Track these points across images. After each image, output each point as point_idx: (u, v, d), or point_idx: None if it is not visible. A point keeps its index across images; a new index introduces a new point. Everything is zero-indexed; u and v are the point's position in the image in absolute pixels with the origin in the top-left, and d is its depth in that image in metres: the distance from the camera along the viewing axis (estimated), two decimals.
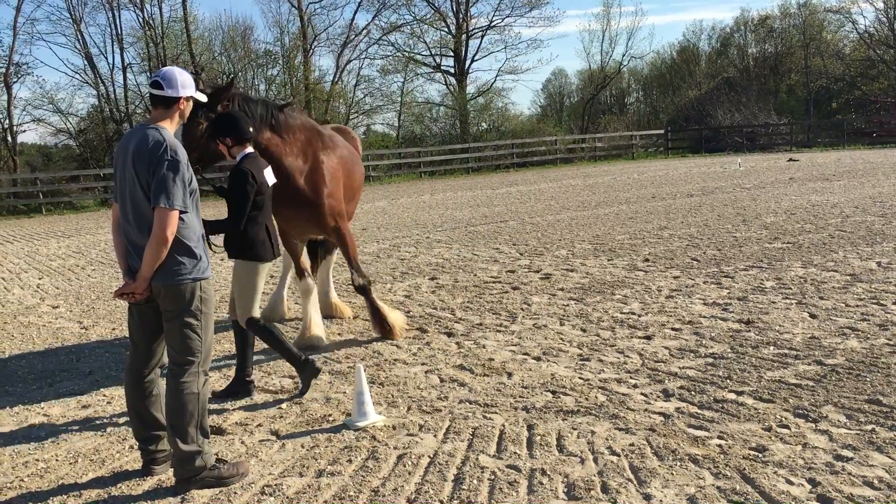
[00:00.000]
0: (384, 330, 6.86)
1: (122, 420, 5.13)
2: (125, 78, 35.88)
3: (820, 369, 5.31)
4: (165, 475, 4.18)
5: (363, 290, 6.79)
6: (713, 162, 31.99)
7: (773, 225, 12.42)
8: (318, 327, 6.81)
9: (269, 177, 5.50)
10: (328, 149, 6.80)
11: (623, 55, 56.25)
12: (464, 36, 43.43)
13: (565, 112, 61.77)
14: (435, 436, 4.57)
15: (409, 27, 42.32)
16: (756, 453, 4.05)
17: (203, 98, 4.41)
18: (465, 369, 5.87)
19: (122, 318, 8.45)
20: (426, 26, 42.82)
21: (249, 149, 5.50)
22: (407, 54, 43.03)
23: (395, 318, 6.96)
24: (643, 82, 60.68)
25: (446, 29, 43.60)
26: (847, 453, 3.99)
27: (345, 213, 6.92)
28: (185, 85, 4.04)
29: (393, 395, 5.35)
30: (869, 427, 4.30)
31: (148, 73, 34.88)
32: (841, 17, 52.17)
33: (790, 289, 7.82)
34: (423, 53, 43.93)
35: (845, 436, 4.21)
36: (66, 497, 4.02)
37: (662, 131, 44.33)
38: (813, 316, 6.74)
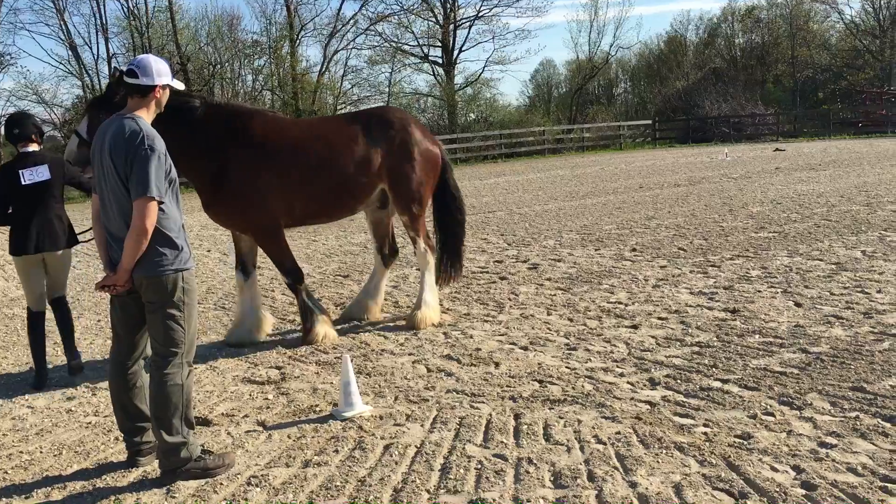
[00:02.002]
0: (305, 331, 6.53)
1: (106, 412, 5.09)
2: (110, 68, 35.53)
3: (805, 357, 5.34)
4: (150, 467, 4.16)
5: (290, 288, 6.64)
6: (700, 152, 32.08)
7: (760, 214, 12.47)
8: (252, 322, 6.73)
9: (31, 175, 5.74)
10: (247, 145, 6.22)
11: (611, 45, 56.16)
12: (451, 26, 43.29)
13: (553, 102, 61.68)
14: (422, 425, 4.57)
15: (396, 17, 42.12)
16: (741, 441, 4.07)
17: (180, 86, 4.36)
18: (452, 359, 5.87)
19: (106, 309, 8.38)
20: (414, 16, 42.64)
21: (30, 147, 5.84)
22: (394, 44, 42.88)
23: (322, 322, 6.55)
24: (631, 73, 60.72)
25: (434, 19, 43.43)
26: (831, 440, 4.01)
27: (261, 212, 6.29)
28: (160, 73, 3.99)
29: (380, 386, 5.35)
30: (853, 414, 4.32)
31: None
32: (827, 8, 52.38)
33: (776, 278, 7.86)
34: (410, 44, 43.78)
35: (829, 423, 4.24)
36: (50, 489, 4.00)
37: (650, 122, 44.41)
38: (798, 304, 6.77)
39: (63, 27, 34.94)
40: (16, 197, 5.75)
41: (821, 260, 8.59)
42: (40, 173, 5.75)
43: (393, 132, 6.71)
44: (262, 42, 39.62)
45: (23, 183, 5.69)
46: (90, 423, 4.98)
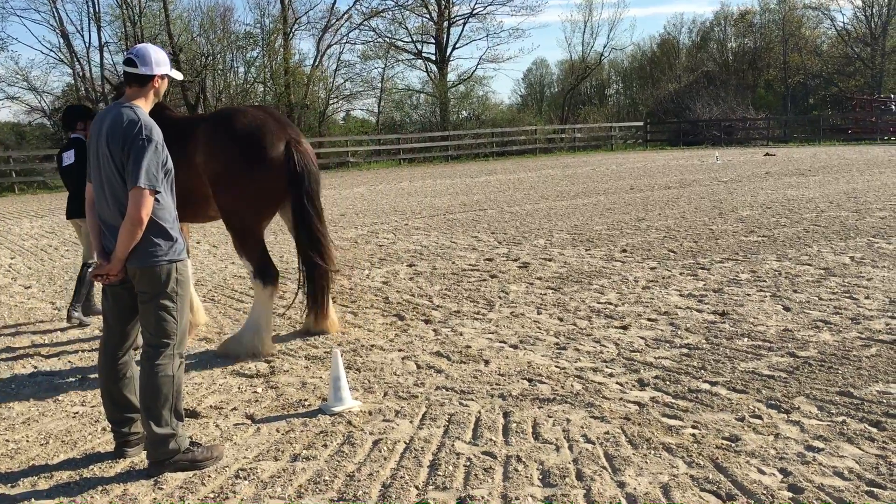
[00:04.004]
0: None
1: (94, 402, 5.07)
2: (101, 57, 35.33)
3: (793, 361, 5.37)
4: (138, 458, 4.14)
5: None
6: (691, 155, 32.19)
7: (749, 218, 12.53)
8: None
9: (66, 158, 7.15)
10: None
11: (604, 46, 56.48)
12: (445, 23, 43.26)
13: (545, 102, 61.81)
14: (411, 422, 4.57)
15: (390, 13, 42.09)
16: (729, 443, 4.09)
17: (179, 76, 4.34)
18: (442, 356, 5.87)
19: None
20: (408, 12, 42.61)
21: (74, 134, 7.20)
22: (388, 40, 42.81)
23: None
24: (623, 74, 60.90)
25: (428, 15, 43.41)
26: (818, 444, 4.04)
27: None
28: (159, 62, 3.98)
29: (369, 381, 5.34)
30: (840, 419, 4.35)
31: (125, 53, 34.39)
32: (819, 14, 52.70)
33: (765, 281, 7.90)
34: (404, 40, 43.75)
35: (817, 427, 4.26)
36: (36, 478, 3.97)
37: (641, 123, 44.55)
38: (787, 308, 6.81)
39: (55, 14, 34.66)
40: (62, 175, 7.26)
41: (809, 265, 8.64)
42: (69, 157, 7.12)
43: (217, 134, 5.79)
44: (254, 34, 39.48)
45: (62, 165, 7.19)
46: (77, 412, 4.95)
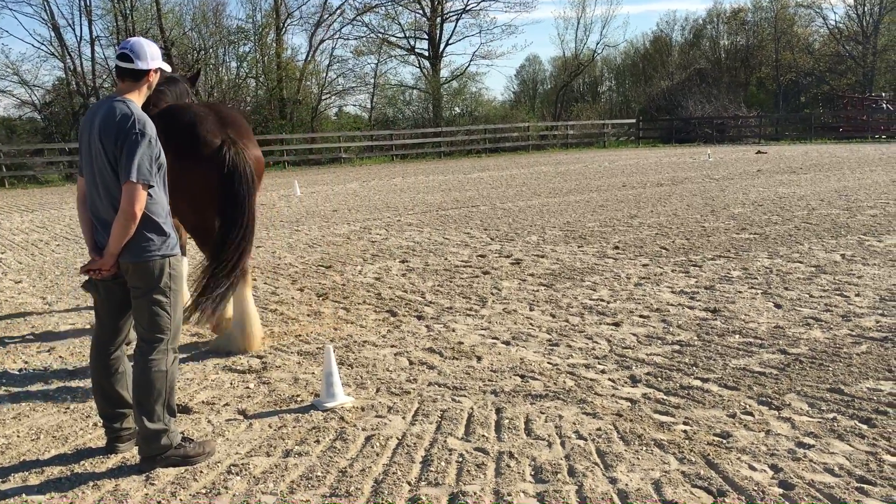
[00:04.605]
0: None
1: (86, 397, 5.06)
2: (93, 51, 35.18)
3: (784, 358, 5.40)
4: (130, 453, 4.14)
5: None
6: (683, 152, 32.26)
7: (741, 216, 12.57)
8: None
9: None
10: None
11: (597, 43, 56.64)
12: (438, 19, 43.24)
13: (538, 99, 61.88)
14: (403, 418, 4.57)
15: (383, 8, 42.02)
16: (720, 439, 4.11)
17: (168, 68, 4.33)
18: (434, 352, 5.87)
19: (87, 294, 8.32)
20: (401, 8, 42.56)
21: None
22: (381, 36, 42.75)
23: None
24: (616, 71, 61.01)
25: (421, 11, 43.37)
26: (809, 440, 4.06)
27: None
28: (153, 56, 3.97)
29: (362, 377, 5.34)
30: (830, 415, 4.38)
31: (116, 47, 34.21)
32: (812, 12, 52.87)
33: (756, 279, 7.93)
34: (397, 35, 43.70)
35: (807, 423, 4.28)
36: (27, 473, 3.96)
37: (634, 121, 44.65)
38: (778, 306, 6.84)
39: (46, 7, 34.48)
40: None
41: (801, 262, 8.68)
42: None
43: (160, 129, 5.27)
44: (246, 29, 39.36)
45: None
46: (69, 407, 4.94)
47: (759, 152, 29.49)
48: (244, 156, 5.57)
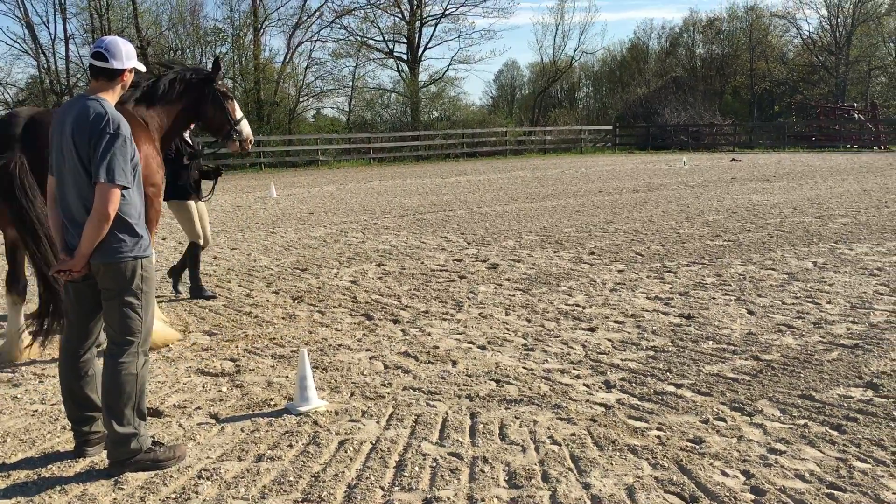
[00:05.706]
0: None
1: (54, 399, 4.97)
2: (67, 49, 34.79)
3: (756, 364, 5.44)
4: (99, 457, 4.07)
5: None
6: (659, 159, 32.51)
7: (715, 223, 12.68)
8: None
9: None
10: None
11: (575, 50, 56.79)
12: (417, 23, 43.23)
13: (516, 104, 62.09)
14: (378, 422, 4.55)
15: (362, 11, 41.93)
16: (693, 445, 4.13)
17: (142, 68, 4.27)
18: (409, 356, 5.85)
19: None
20: (380, 11, 42.49)
21: None
22: (359, 39, 42.65)
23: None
24: (593, 78, 61.39)
25: (400, 15, 43.32)
26: (780, 447, 4.09)
27: None
28: (129, 56, 3.91)
29: (336, 381, 5.31)
30: (802, 422, 4.41)
31: (91, 46, 33.81)
32: (786, 22, 53.59)
33: (730, 285, 7.99)
34: (375, 38, 43.61)
35: (779, 430, 4.32)
36: None
37: (611, 127, 44.94)
38: (751, 312, 6.89)
39: (20, 4, 34.04)
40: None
41: (773, 269, 8.76)
42: None
43: None
44: (223, 29, 39.09)
45: None
46: (36, 410, 4.85)
47: (733, 160, 29.80)
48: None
